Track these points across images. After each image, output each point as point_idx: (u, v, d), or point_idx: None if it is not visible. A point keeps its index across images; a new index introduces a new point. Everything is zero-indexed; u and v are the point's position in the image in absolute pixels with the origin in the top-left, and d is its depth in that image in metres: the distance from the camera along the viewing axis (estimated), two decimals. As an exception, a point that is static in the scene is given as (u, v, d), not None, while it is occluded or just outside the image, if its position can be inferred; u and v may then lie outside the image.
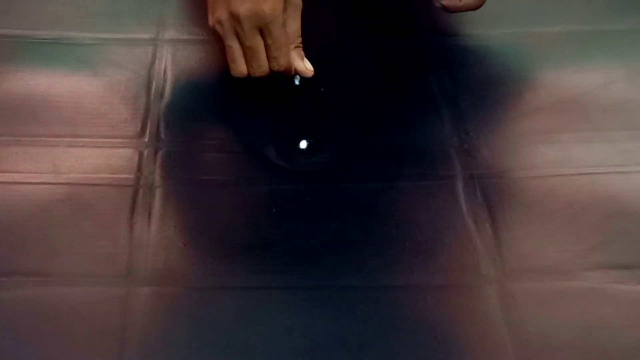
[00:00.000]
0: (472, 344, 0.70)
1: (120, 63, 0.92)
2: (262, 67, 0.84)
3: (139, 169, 0.82)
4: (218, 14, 0.82)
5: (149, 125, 0.85)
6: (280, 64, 0.84)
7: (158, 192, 0.80)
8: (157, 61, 0.92)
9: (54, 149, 0.83)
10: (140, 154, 0.83)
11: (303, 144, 0.84)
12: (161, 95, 0.89)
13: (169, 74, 0.91)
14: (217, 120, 0.87)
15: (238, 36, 0.82)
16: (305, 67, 0.86)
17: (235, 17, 0.81)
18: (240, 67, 0.84)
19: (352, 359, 0.68)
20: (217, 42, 0.85)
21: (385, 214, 0.79)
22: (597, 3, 0.99)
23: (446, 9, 0.91)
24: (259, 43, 0.83)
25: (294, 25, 0.84)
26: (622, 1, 0.99)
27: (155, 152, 0.83)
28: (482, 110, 0.88)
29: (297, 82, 0.86)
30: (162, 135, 0.85)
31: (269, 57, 0.83)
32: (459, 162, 0.83)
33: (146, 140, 0.84)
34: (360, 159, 0.83)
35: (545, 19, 0.96)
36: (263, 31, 0.82)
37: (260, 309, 0.71)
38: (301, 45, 0.86)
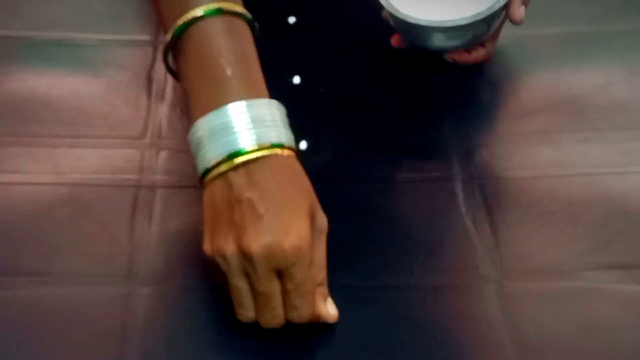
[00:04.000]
0: (472, 344, 0.70)
1: (121, 64, 0.92)
2: (278, 317, 0.66)
3: (140, 169, 0.82)
4: (221, 244, 0.65)
5: (150, 125, 0.86)
6: (301, 316, 0.66)
7: (159, 193, 0.80)
8: (157, 62, 0.92)
9: (55, 150, 0.83)
10: (142, 155, 0.83)
11: (303, 145, 0.84)
12: (162, 96, 0.89)
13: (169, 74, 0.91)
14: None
15: (248, 276, 0.65)
16: (329, 312, 0.68)
17: (246, 255, 0.64)
18: (248, 313, 0.66)
19: (352, 359, 0.69)
20: (212, 272, 0.68)
21: (385, 214, 0.79)
22: (597, 3, 0.99)
23: (457, 62, 0.90)
24: (275, 288, 0.65)
25: (320, 254, 0.67)
26: (622, 1, 0.99)
27: (157, 153, 0.83)
28: (481, 111, 0.88)
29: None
30: (163, 136, 0.85)
31: (286, 304, 0.65)
32: (458, 162, 0.83)
33: (147, 140, 0.84)
34: (360, 159, 0.83)
35: (545, 19, 0.96)
36: (283, 274, 0.64)
37: (260, 309, 0.71)
38: (325, 281, 0.68)
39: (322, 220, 0.68)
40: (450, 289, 0.73)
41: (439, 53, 0.89)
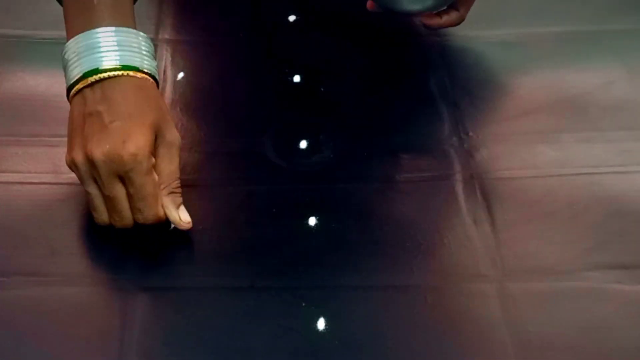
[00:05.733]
0: (472, 344, 0.70)
1: (120, 63, 0.91)
2: (125, 219, 0.73)
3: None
4: (74, 154, 0.72)
5: (149, 125, 0.85)
6: (146, 218, 0.72)
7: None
8: (157, 61, 0.92)
9: (54, 149, 0.82)
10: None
11: (303, 144, 0.84)
12: (161, 94, 0.88)
13: (169, 74, 0.91)
14: (217, 120, 0.87)
15: (97, 182, 0.72)
16: (181, 218, 0.74)
17: (91, 162, 0.71)
18: (102, 216, 0.74)
19: (352, 359, 0.68)
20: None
21: (385, 214, 0.79)
22: (597, 3, 0.99)
23: (428, 27, 0.91)
24: (119, 192, 0.72)
25: (169, 167, 0.73)
26: (622, 1, 0.99)
27: (156, 152, 0.83)
28: (481, 110, 0.88)
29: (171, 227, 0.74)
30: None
31: (132, 207, 0.72)
32: (459, 162, 0.83)
33: (146, 140, 0.84)
34: (360, 159, 0.83)
35: (545, 19, 0.96)
36: (124, 179, 0.71)
37: (260, 309, 0.71)
38: (179, 190, 0.74)
39: (173, 136, 0.74)
40: (451, 289, 0.73)
41: (410, 16, 0.89)
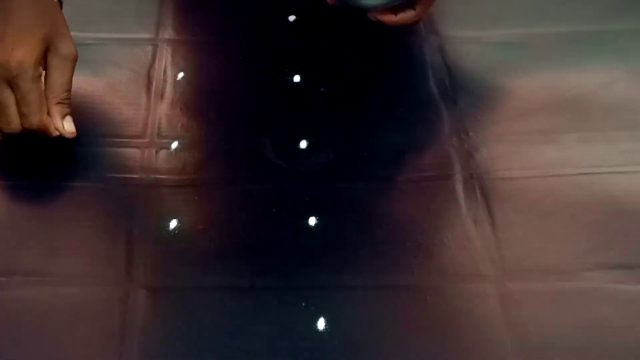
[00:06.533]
0: (472, 344, 0.70)
1: (120, 63, 0.92)
2: (12, 124, 0.78)
3: (140, 168, 0.82)
4: None
5: (149, 125, 0.86)
6: (31, 123, 0.78)
7: (158, 192, 0.80)
8: (157, 61, 0.92)
9: (54, 149, 0.82)
10: (141, 154, 0.83)
11: (303, 144, 0.84)
12: (161, 95, 0.89)
13: (169, 73, 0.91)
14: (217, 119, 0.87)
15: None
16: (65, 127, 0.80)
17: None
18: None
19: (352, 359, 0.69)
20: None
21: (385, 214, 0.79)
22: (597, 3, 0.99)
23: (382, 22, 0.90)
24: (7, 97, 0.77)
25: (61, 78, 0.79)
26: (622, 1, 0.99)
27: (156, 152, 0.83)
28: (481, 110, 0.88)
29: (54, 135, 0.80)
30: (163, 135, 0.85)
31: (19, 112, 0.78)
32: (459, 162, 0.83)
33: (147, 140, 0.84)
34: (360, 159, 0.83)
35: (546, 19, 0.96)
36: (11, 86, 0.77)
37: (260, 309, 0.71)
38: (67, 101, 0.80)
39: (68, 49, 0.79)
40: (451, 289, 0.73)
41: (366, 11, 0.88)
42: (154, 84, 0.89)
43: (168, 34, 0.96)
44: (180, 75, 0.91)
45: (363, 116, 0.88)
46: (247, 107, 0.88)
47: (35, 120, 0.78)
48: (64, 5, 0.84)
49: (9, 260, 0.74)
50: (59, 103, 0.79)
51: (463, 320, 0.71)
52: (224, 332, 0.69)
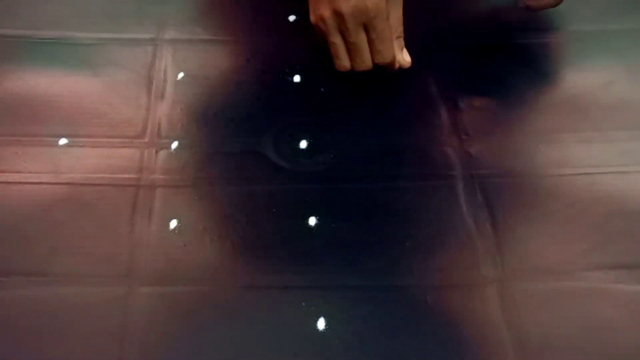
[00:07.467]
0: (472, 344, 0.70)
1: (120, 63, 0.92)
2: (366, 62, 0.85)
3: (140, 169, 0.82)
4: (321, 12, 0.83)
5: (149, 125, 0.86)
6: (384, 57, 0.85)
7: (158, 192, 0.80)
8: (157, 61, 0.92)
9: (54, 149, 0.83)
10: (141, 154, 0.83)
11: (303, 144, 0.84)
12: (162, 95, 0.89)
13: (169, 73, 0.91)
14: (217, 120, 0.87)
15: (341, 32, 0.83)
16: (404, 59, 0.88)
17: (338, 14, 0.82)
18: (344, 62, 0.85)
19: (352, 359, 0.69)
20: (319, 37, 0.85)
21: (385, 214, 0.79)
22: (597, 3, 0.99)
23: (530, 8, 0.95)
24: (362, 39, 0.83)
25: (396, 14, 0.85)
26: (622, 1, 0.99)
27: (156, 152, 0.83)
28: (481, 111, 0.88)
29: None
30: (163, 135, 0.85)
31: (372, 51, 0.84)
32: (459, 162, 0.83)
33: (147, 140, 0.84)
34: (360, 159, 0.83)
35: (546, 19, 0.96)
36: (367, 26, 0.83)
37: (260, 309, 0.71)
38: (402, 35, 0.87)
39: None
40: (451, 289, 0.73)
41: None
42: (154, 84, 0.90)
43: (168, 34, 0.96)
44: (181, 75, 0.91)
45: (363, 116, 0.88)
46: (247, 107, 0.88)
47: (388, 55, 0.84)
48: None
49: (9, 260, 0.74)
50: (398, 37, 0.86)
51: (463, 320, 0.71)
52: (224, 332, 0.70)
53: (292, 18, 0.97)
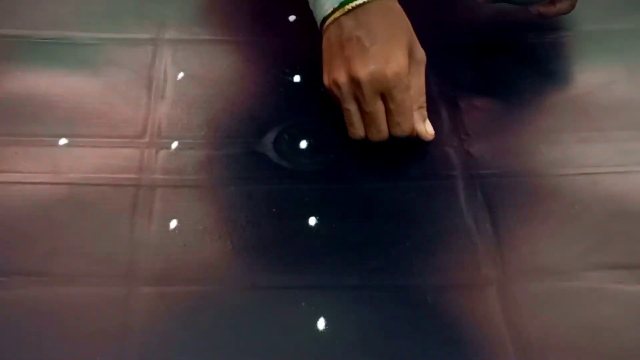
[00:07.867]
0: (473, 344, 0.70)
1: (120, 63, 0.92)
2: (382, 132, 0.80)
3: (140, 169, 0.82)
4: (335, 76, 0.79)
5: (149, 125, 0.86)
6: (403, 130, 0.79)
7: (159, 192, 0.80)
8: (157, 61, 0.92)
9: (54, 149, 0.83)
10: (141, 154, 0.83)
11: (303, 144, 0.84)
12: (162, 95, 0.89)
13: (169, 73, 0.91)
14: (217, 120, 0.87)
15: (357, 99, 0.79)
16: (427, 131, 0.82)
17: (355, 81, 0.78)
18: (358, 131, 0.81)
19: (352, 359, 0.69)
20: (332, 99, 0.82)
21: (385, 214, 0.79)
22: (597, 3, 0.99)
23: (542, 15, 0.93)
24: (380, 108, 0.78)
25: (418, 83, 0.80)
26: (623, 1, 0.99)
27: (156, 152, 0.83)
28: (482, 111, 0.88)
29: None
30: (163, 135, 0.85)
31: (390, 122, 0.79)
32: (459, 162, 0.83)
33: (147, 140, 0.84)
34: (360, 159, 0.83)
35: (546, 19, 0.96)
36: (385, 95, 0.78)
37: (260, 309, 0.71)
38: (425, 105, 0.81)
39: (421, 53, 0.81)
40: (451, 289, 0.73)
41: (523, 5, 0.92)
42: (154, 84, 0.89)
43: (169, 34, 0.96)
44: (181, 75, 0.91)
45: (363, 116, 0.88)
46: (247, 107, 0.88)
47: (407, 126, 0.79)
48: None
49: (10, 260, 0.74)
50: (419, 107, 0.81)
51: (463, 320, 0.71)
52: (224, 332, 0.70)
53: (292, 18, 0.97)
